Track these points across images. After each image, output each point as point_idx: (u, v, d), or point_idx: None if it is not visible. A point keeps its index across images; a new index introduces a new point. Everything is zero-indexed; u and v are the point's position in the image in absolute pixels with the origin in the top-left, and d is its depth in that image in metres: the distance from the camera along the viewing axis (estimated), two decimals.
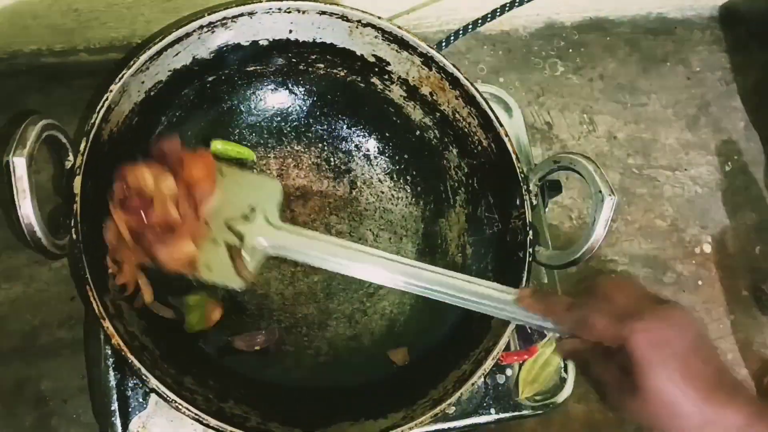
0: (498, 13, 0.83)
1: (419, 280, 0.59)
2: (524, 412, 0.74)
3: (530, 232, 0.66)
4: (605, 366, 0.51)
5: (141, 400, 0.66)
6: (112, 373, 0.66)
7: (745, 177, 1.02)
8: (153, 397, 0.66)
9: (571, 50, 1.02)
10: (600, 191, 0.61)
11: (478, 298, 0.58)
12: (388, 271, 0.59)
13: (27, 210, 0.52)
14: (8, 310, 0.77)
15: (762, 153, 1.04)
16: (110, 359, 0.66)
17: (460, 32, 0.85)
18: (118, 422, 0.65)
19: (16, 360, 0.76)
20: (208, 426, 0.56)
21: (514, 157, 0.67)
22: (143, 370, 0.55)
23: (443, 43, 0.85)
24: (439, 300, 0.59)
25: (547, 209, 0.80)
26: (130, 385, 0.66)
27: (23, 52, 0.83)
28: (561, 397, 0.76)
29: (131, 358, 0.55)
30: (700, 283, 0.96)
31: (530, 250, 0.66)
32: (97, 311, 0.55)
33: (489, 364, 0.62)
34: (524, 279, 0.65)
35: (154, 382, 0.55)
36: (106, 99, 0.59)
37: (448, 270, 0.59)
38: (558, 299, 0.56)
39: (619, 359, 0.49)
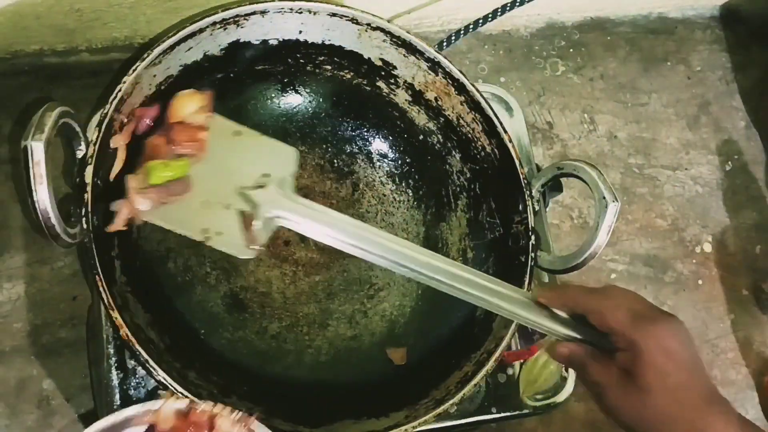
0: (499, 13, 0.83)
1: (431, 271, 0.56)
2: (525, 411, 0.75)
3: (532, 237, 0.66)
4: (605, 368, 0.53)
5: (143, 399, 0.66)
6: (114, 372, 0.66)
7: (746, 176, 1.03)
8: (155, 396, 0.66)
9: (572, 50, 1.02)
10: (604, 197, 0.61)
11: (489, 295, 0.57)
12: (397, 258, 0.56)
13: (43, 195, 0.52)
14: (10, 309, 0.77)
15: (762, 152, 1.04)
16: (113, 358, 0.66)
17: (461, 32, 0.85)
18: None
19: (18, 359, 0.76)
20: None
21: (517, 162, 0.67)
22: (151, 362, 0.55)
23: (444, 43, 0.85)
24: (448, 293, 0.57)
25: (548, 208, 0.80)
26: (132, 384, 0.66)
27: (25, 52, 0.83)
28: (562, 396, 0.76)
29: (139, 349, 0.55)
30: (700, 282, 0.97)
31: (532, 255, 0.66)
32: (105, 301, 0.55)
33: (491, 365, 0.62)
34: (526, 283, 0.65)
35: (161, 374, 0.55)
36: (120, 90, 0.59)
37: (461, 265, 0.58)
38: (577, 288, 0.57)
39: (622, 360, 0.51)
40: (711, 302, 0.97)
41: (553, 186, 0.77)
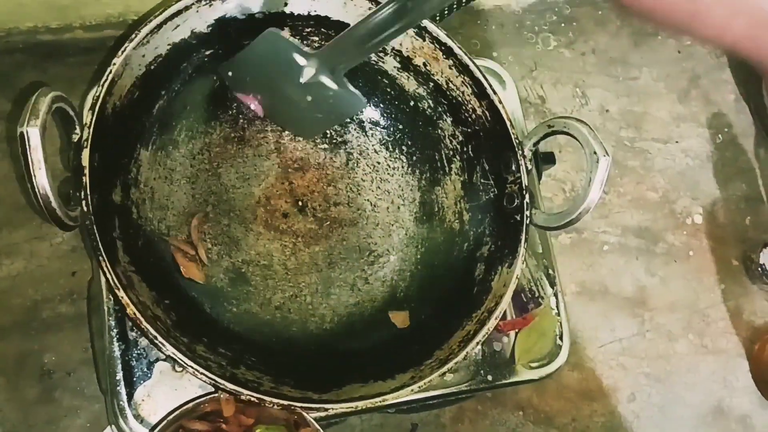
0: None
1: None
2: (520, 378, 0.76)
3: (526, 196, 0.67)
4: None
5: (145, 369, 0.67)
6: (116, 344, 0.67)
7: (735, 149, 1.04)
8: (157, 366, 0.67)
9: (563, 24, 1.03)
10: (595, 152, 0.62)
11: None
12: None
13: (42, 180, 0.52)
14: (10, 285, 0.78)
15: (752, 125, 1.05)
16: (114, 330, 0.67)
17: (454, 7, 0.85)
18: (123, 391, 0.66)
19: (18, 334, 0.77)
20: (225, 390, 0.58)
21: (508, 123, 0.68)
22: (159, 338, 0.56)
23: (437, 18, 0.85)
24: None
25: (541, 181, 0.81)
26: (134, 355, 0.67)
27: (19, 29, 0.83)
28: (556, 364, 0.77)
29: (147, 326, 0.56)
30: (691, 253, 0.98)
31: (527, 213, 0.67)
32: (111, 281, 0.56)
33: (492, 323, 0.63)
34: (522, 241, 0.66)
35: (170, 350, 0.56)
36: (110, 72, 0.59)
37: None
38: None
39: None
40: (702, 273, 0.98)
41: (546, 158, 0.78)
